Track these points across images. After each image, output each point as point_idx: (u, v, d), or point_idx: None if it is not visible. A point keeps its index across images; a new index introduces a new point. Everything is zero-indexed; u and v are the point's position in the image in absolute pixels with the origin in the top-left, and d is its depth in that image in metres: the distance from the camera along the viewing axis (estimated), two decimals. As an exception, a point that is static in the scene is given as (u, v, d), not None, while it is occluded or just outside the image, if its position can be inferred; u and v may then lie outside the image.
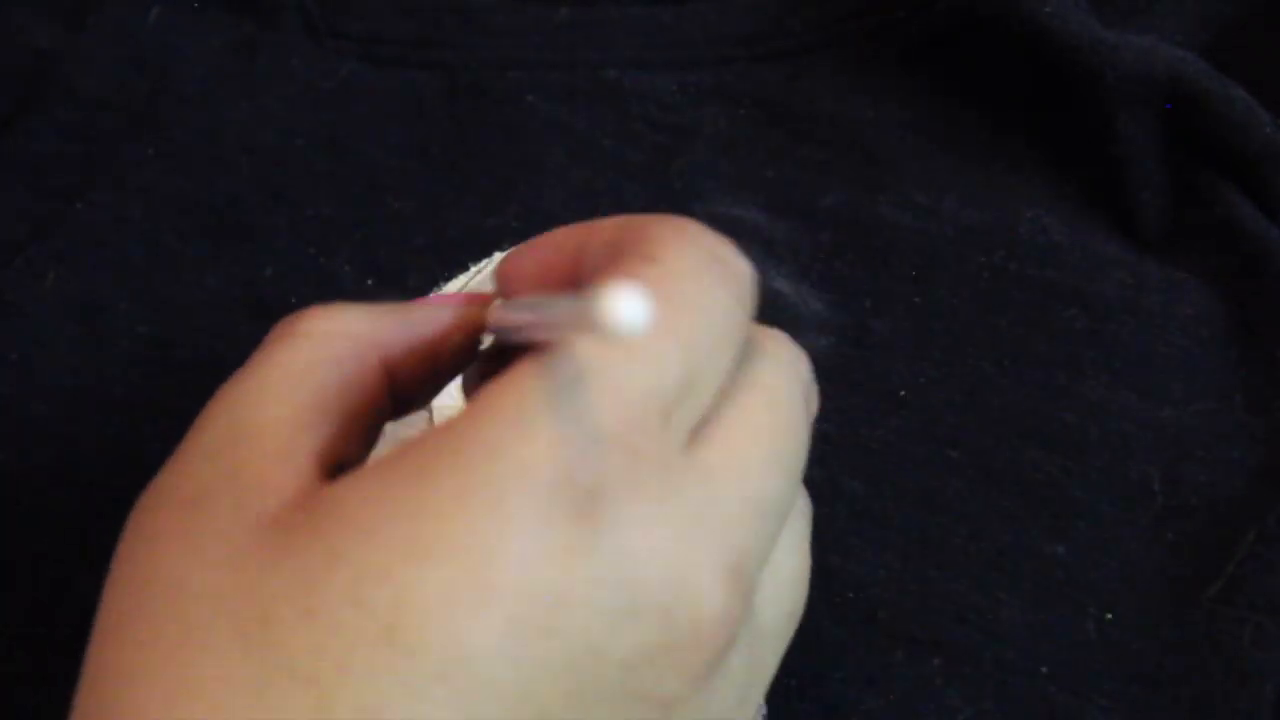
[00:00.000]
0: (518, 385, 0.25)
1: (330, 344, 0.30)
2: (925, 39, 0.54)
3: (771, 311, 0.49)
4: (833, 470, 0.45)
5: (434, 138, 0.54)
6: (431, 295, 0.34)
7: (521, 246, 0.33)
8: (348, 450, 0.30)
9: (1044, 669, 0.41)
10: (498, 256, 0.51)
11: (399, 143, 0.54)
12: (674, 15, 0.57)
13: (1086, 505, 0.43)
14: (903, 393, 0.46)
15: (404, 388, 0.32)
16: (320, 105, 0.55)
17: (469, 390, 0.36)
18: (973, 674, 0.41)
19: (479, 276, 0.50)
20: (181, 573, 0.26)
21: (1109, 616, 0.42)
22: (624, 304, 0.22)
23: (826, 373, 0.47)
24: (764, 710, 0.36)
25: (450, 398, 0.43)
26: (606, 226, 0.31)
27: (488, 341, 0.34)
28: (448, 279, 0.50)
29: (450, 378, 0.34)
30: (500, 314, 0.31)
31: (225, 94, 0.55)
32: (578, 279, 0.30)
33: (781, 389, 0.30)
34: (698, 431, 0.27)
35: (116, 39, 0.56)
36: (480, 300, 0.34)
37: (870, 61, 0.55)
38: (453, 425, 0.25)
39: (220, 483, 0.27)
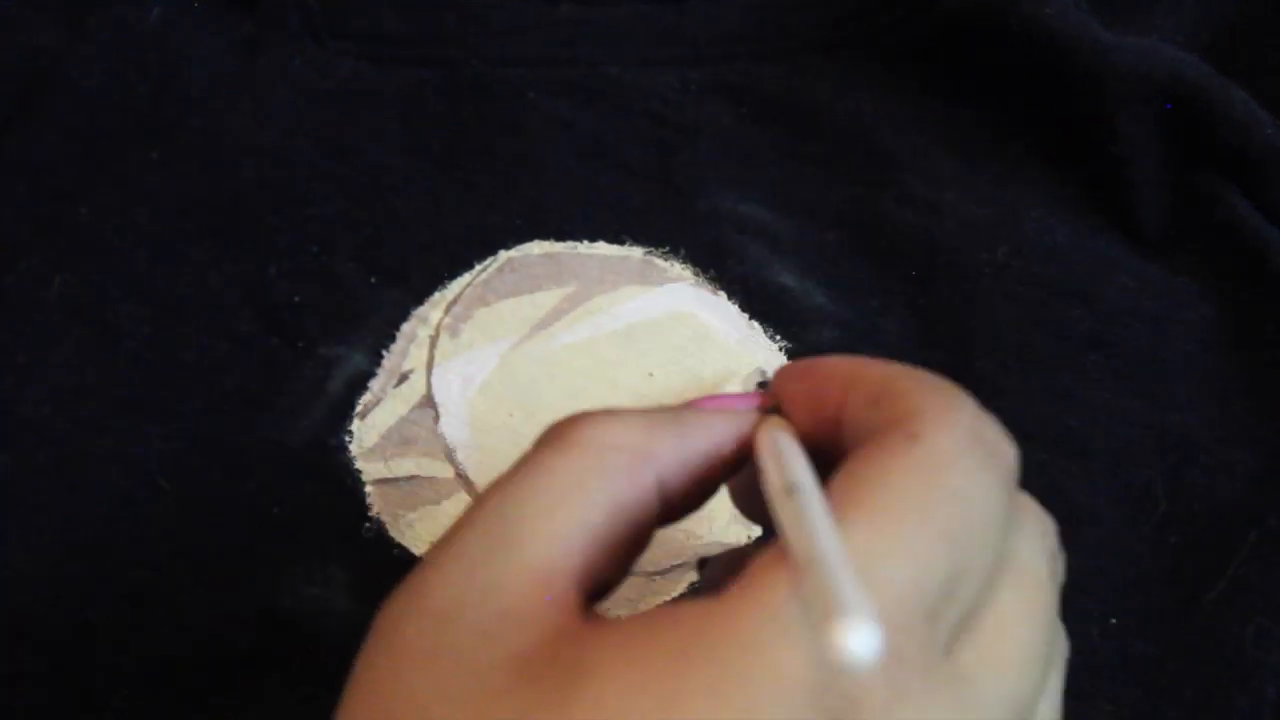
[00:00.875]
0: (778, 578, 0.24)
1: (604, 457, 0.29)
2: (927, 38, 0.54)
3: (777, 308, 0.49)
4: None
5: (436, 136, 0.54)
6: (703, 399, 0.32)
7: (794, 366, 0.32)
8: (612, 571, 0.29)
9: (1049, 671, 0.41)
10: (503, 256, 0.51)
11: (401, 141, 0.54)
12: (676, 13, 0.57)
13: (1090, 510, 0.44)
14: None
15: (671, 501, 0.30)
16: (322, 104, 0.55)
17: (738, 503, 0.35)
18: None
19: (484, 275, 0.50)
20: (423, 700, 0.25)
21: (1112, 620, 0.42)
22: (858, 642, 0.21)
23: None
24: None
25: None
26: (873, 375, 0.29)
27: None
28: (452, 277, 0.50)
29: (715, 490, 0.32)
30: (771, 469, 0.28)
31: (227, 94, 0.55)
32: (840, 424, 0.29)
33: (1035, 571, 0.28)
34: (959, 630, 0.26)
35: (117, 39, 0.56)
36: (756, 408, 0.32)
37: (872, 60, 0.55)
38: (717, 607, 0.24)
39: (475, 599, 0.26)
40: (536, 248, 0.51)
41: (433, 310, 0.49)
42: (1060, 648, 0.31)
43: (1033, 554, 0.28)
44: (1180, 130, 0.50)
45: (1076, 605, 0.42)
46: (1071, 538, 0.43)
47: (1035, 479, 0.44)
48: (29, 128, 0.54)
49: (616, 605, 0.43)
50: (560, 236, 0.51)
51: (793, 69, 0.55)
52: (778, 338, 0.48)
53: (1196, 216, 0.50)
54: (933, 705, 0.24)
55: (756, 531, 0.44)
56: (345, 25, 0.57)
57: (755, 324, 0.48)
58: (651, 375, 0.47)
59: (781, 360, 0.48)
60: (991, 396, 0.45)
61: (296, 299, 0.50)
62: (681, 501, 0.31)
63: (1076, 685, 0.40)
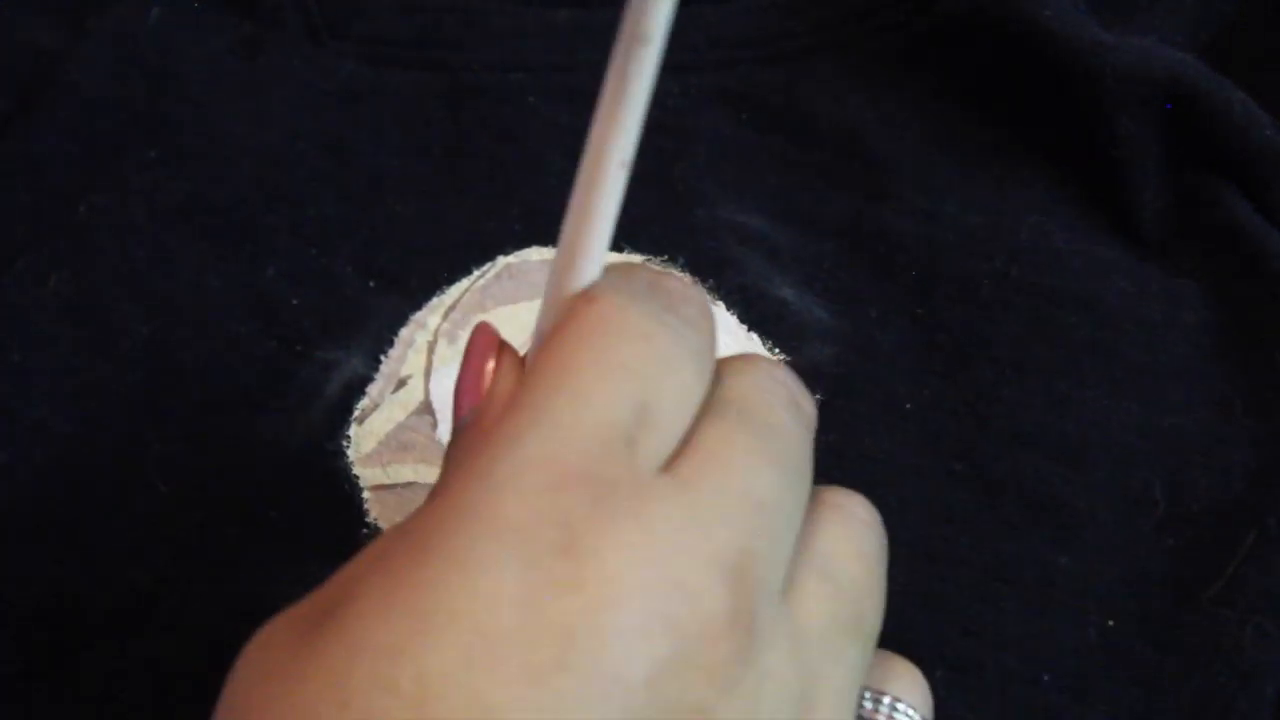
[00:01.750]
0: (485, 443, 0.26)
1: None
2: (926, 42, 0.54)
3: (775, 321, 0.49)
4: (836, 481, 0.45)
5: (435, 139, 0.54)
6: None
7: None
8: None
9: (1046, 677, 0.41)
10: (501, 261, 0.51)
11: (400, 144, 0.54)
12: (677, 17, 0.57)
13: (1088, 515, 0.44)
14: (907, 405, 0.47)
15: None
16: (321, 106, 0.55)
17: None
18: (976, 685, 0.41)
19: (482, 281, 0.50)
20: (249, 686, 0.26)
21: (1111, 623, 0.42)
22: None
23: (831, 383, 0.47)
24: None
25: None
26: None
27: None
28: (450, 282, 0.50)
29: None
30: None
31: (226, 95, 0.55)
32: None
33: (756, 397, 0.30)
34: (676, 453, 0.28)
35: (117, 39, 0.56)
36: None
37: (871, 65, 0.55)
38: (435, 494, 0.27)
39: None
40: (535, 254, 0.51)
41: (431, 315, 0.49)
42: (864, 516, 0.33)
43: (751, 386, 0.30)
44: (1180, 131, 0.50)
45: (1074, 607, 0.42)
46: (1069, 540, 0.43)
47: (1033, 484, 0.44)
48: (28, 127, 0.54)
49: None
50: (559, 243, 0.51)
51: (793, 75, 0.55)
52: (776, 350, 0.48)
53: (1196, 218, 0.50)
54: (651, 510, 0.26)
55: None
56: (345, 27, 0.57)
57: (754, 335, 0.48)
58: None
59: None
60: (990, 404, 0.46)
61: (295, 301, 0.50)
62: None
63: (1074, 687, 0.41)
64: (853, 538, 0.32)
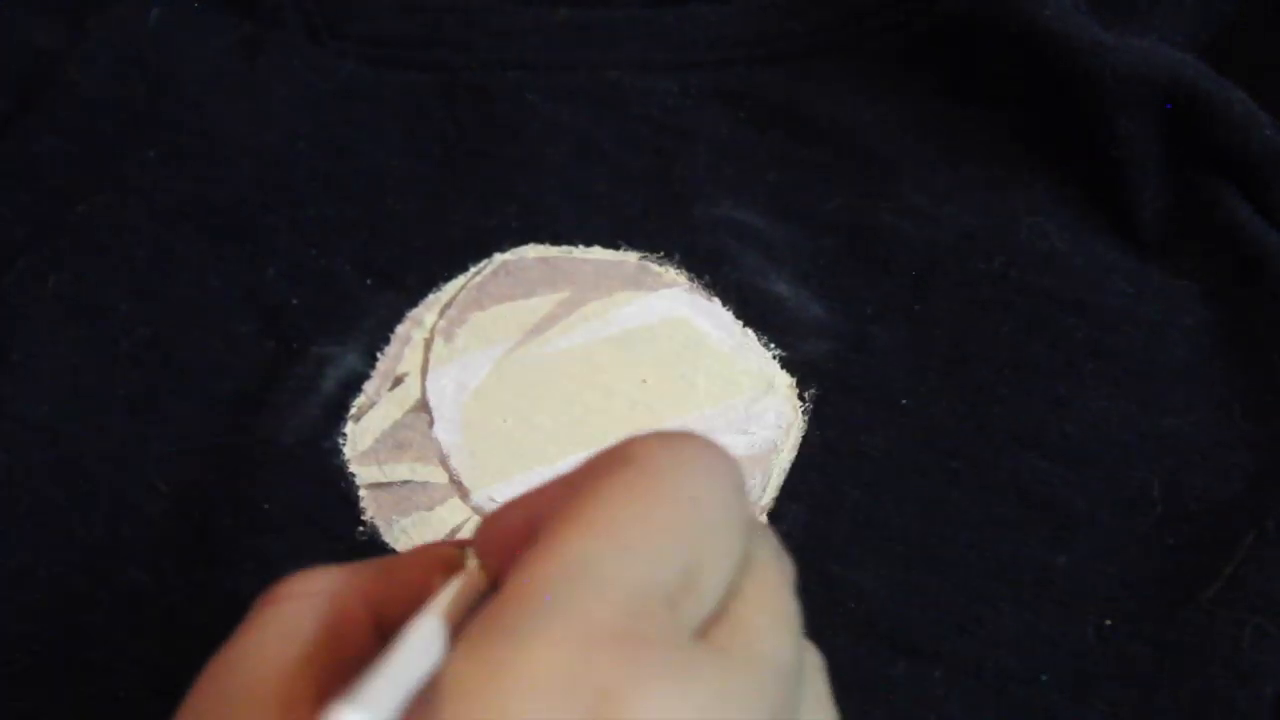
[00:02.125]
0: (505, 602, 0.26)
1: (315, 603, 0.31)
2: (925, 42, 0.54)
3: (771, 316, 0.49)
4: (833, 479, 0.45)
5: (434, 139, 0.54)
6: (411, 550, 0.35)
7: (499, 510, 0.33)
8: (340, 689, 0.29)
9: (1044, 677, 0.41)
10: (498, 258, 0.51)
11: (399, 143, 0.54)
12: (675, 17, 0.57)
13: (1086, 514, 0.44)
14: (903, 401, 0.47)
15: (394, 623, 0.31)
16: (321, 106, 0.55)
17: None
18: (974, 684, 0.41)
19: (479, 278, 0.50)
20: None
21: (1108, 623, 0.42)
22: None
23: (827, 380, 0.47)
24: None
25: None
26: (558, 482, 0.30)
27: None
28: (447, 279, 0.50)
29: None
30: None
31: (225, 95, 0.55)
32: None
33: (776, 571, 0.29)
34: (712, 618, 0.27)
35: (116, 39, 0.56)
36: (456, 549, 0.33)
37: (870, 65, 0.55)
38: (462, 652, 0.25)
39: None
40: (532, 252, 0.51)
41: (428, 313, 0.50)
42: (817, 662, 0.32)
43: (770, 556, 0.29)
44: (1180, 131, 0.50)
45: (1073, 607, 0.42)
46: (1068, 540, 0.43)
47: (1031, 484, 0.44)
48: (28, 127, 0.54)
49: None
50: (556, 241, 0.51)
51: (792, 75, 0.55)
52: (772, 346, 0.48)
53: (1196, 218, 0.49)
54: (689, 678, 0.25)
55: None
56: (344, 27, 0.57)
57: (749, 331, 0.48)
58: (645, 381, 0.47)
59: (774, 366, 0.48)
60: (988, 403, 0.46)
61: (294, 301, 0.50)
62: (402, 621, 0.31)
63: (1073, 687, 0.41)
64: (819, 688, 0.32)
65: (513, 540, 0.29)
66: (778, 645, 0.27)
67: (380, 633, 0.31)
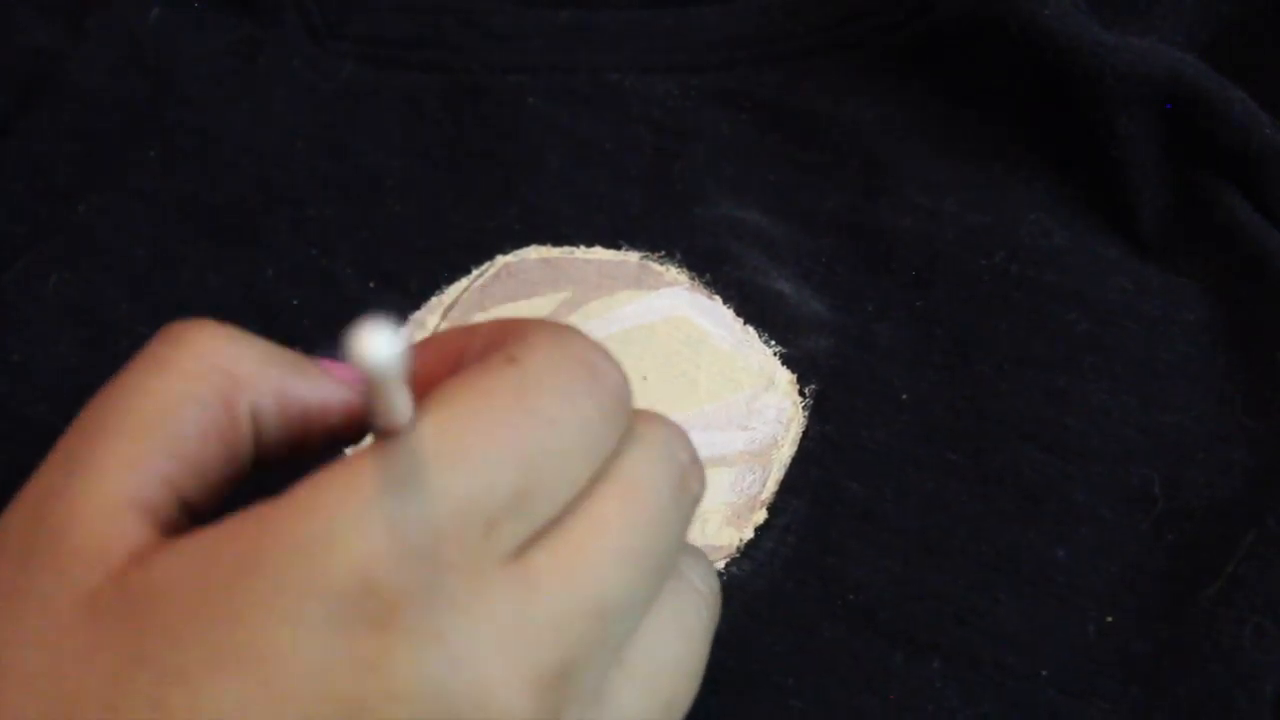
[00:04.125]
0: (338, 483, 0.25)
1: (202, 381, 0.30)
2: (925, 41, 0.54)
3: (772, 313, 0.49)
4: (833, 472, 0.45)
5: (435, 140, 0.54)
6: (329, 361, 0.32)
7: (424, 343, 0.32)
8: (204, 494, 0.29)
9: (1044, 671, 0.41)
10: (500, 261, 0.51)
11: (400, 144, 0.54)
12: (675, 18, 0.57)
13: (1087, 509, 0.44)
14: (904, 396, 0.47)
15: (263, 439, 0.31)
16: (321, 106, 0.55)
17: None
18: (972, 676, 0.41)
19: (481, 281, 0.50)
20: (3, 639, 0.26)
21: (1109, 619, 0.42)
22: (371, 341, 0.23)
23: (828, 375, 0.47)
24: None
25: None
26: (489, 328, 0.30)
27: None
28: (449, 281, 0.50)
29: (313, 459, 0.31)
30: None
31: (225, 95, 0.55)
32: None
33: (644, 479, 0.29)
34: (534, 539, 0.27)
35: (116, 39, 0.56)
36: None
37: (871, 64, 0.55)
38: (273, 515, 0.25)
39: (48, 537, 0.27)
40: (534, 253, 0.51)
41: (429, 315, 0.50)
42: (696, 569, 0.31)
43: (648, 471, 0.29)
44: (1180, 131, 0.50)
45: (1073, 602, 0.42)
46: (1068, 535, 0.43)
47: (1032, 479, 0.44)
48: (28, 127, 0.54)
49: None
50: (557, 241, 0.51)
51: (793, 75, 0.55)
52: (772, 343, 0.48)
53: (1195, 217, 0.49)
54: (480, 608, 0.25)
55: (749, 535, 0.44)
56: (344, 27, 0.57)
57: (750, 329, 0.48)
58: (646, 379, 0.47)
59: (775, 363, 0.48)
60: (988, 397, 0.46)
61: (295, 301, 0.50)
62: (273, 447, 0.31)
63: (1073, 683, 0.41)
64: (685, 616, 0.31)
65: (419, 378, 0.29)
66: (602, 581, 0.27)
67: (256, 440, 0.30)
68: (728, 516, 0.44)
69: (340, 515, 0.25)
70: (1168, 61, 0.50)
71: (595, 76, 0.56)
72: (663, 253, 0.51)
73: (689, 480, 0.30)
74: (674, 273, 0.50)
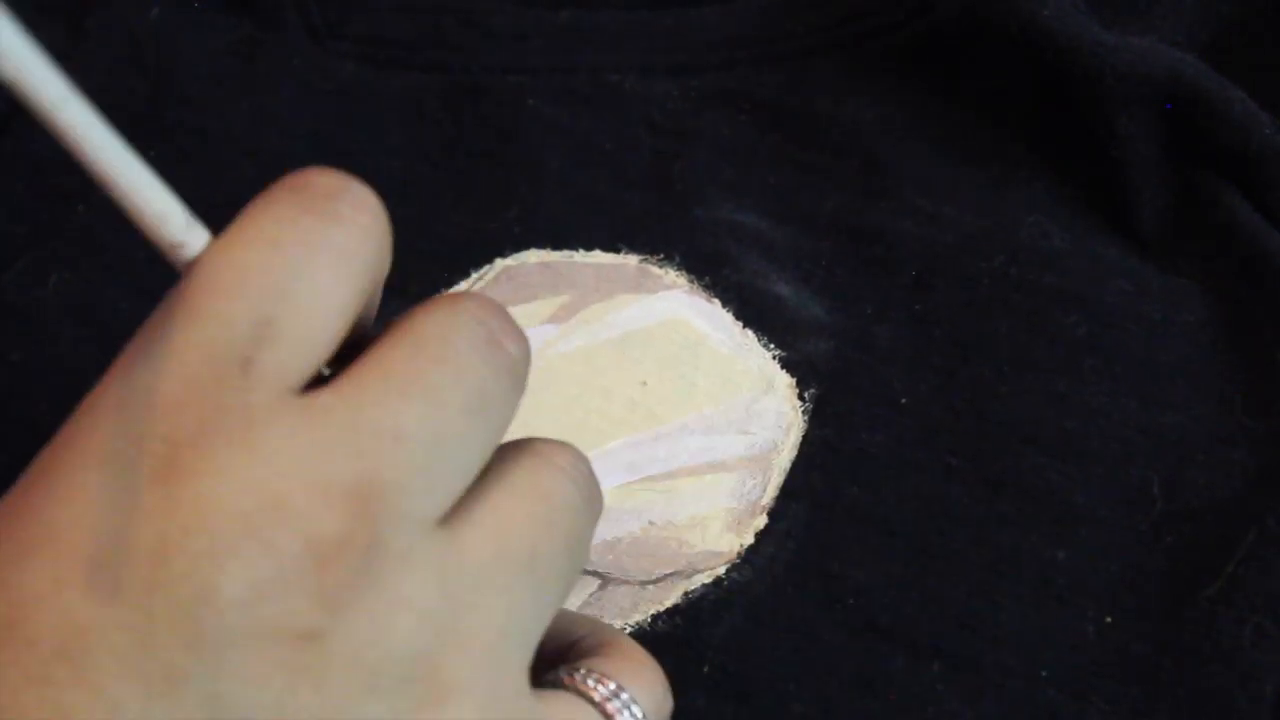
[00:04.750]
0: (118, 363, 0.26)
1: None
2: (925, 42, 0.54)
3: (772, 317, 0.49)
4: (833, 476, 0.45)
5: (435, 140, 0.54)
6: None
7: None
8: None
9: (1044, 673, 0.41)
10: (499, 264, 0.51)
11: (399, 145, 0.54)
12: (675, 20, 0.57)
13: (1087, 510, 0.44)
14: (903, 399, 0.47)
15: None
16: (321, 107, 0.55)
17: None
18: (973, 679, 0.41)
19: (481, 283, 0.50)
20: None
21: (1109, 620, 0.42)
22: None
23: (828, 379, 0.47)
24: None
25: None
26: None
27: None
28: (448, 283, 0.50)
29: None
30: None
31: (225, 95, 0.55)
32: None
33: (439, 331, 0.29)
34: (334, 375, 0.27)
35: (116, 39, 0.56)
36: None
37: (871, 65, 0.55)
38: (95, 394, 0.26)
39: None
40: (533, 256, 0.51)
41: (429, 317, 0.50)
42: (562, 454, 0.31)
43: (445, 322, 0.29)
44: (1180, 131, 0.50)
45: (1073, 604, 0.42)
46: (1068, 537, 0.43)
47: (1032, 481, 0.44)
48: (28, 127, 0.54)
49: (609, 615, 0.43)
50: (557, 244, 0.51)
51: (792, 76, 0.55)
52: (772, 346, 0.48)
53: (1195, 217, 0.49)
54: (263, 439, 0.25)
55: (749, 540, 0.44)
56: (344, 27, 0.57)
57: (749, 332, 0.48)
58: (645, 383, 0.47)
59: (774, 366, 0.48)
60: (988, 399, 0.46)
61: (294, 301, 0.50)
62: None
63: (1072, 683, 0.41)
64: (541, 480, 0.30)
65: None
66: (394, 407, 0.27)
67: None
68: (728, 522, 0.44)
69: (107, 395, 0.25)
70: (1168, 61, 0.50)
71: (595, 77, 0.56)
72: (662, 256, 0.51)
73: (502, 341, 0.30)
74: (673, 276, 0.50)
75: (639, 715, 0.32)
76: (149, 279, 0.50)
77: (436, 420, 0.27)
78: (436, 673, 0.27)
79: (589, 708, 0.31)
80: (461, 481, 0.28)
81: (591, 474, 0.32)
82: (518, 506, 0.29)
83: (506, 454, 0.30)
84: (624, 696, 0.32)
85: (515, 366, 0.30)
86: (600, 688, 0.32)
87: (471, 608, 0.27)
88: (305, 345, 0.26)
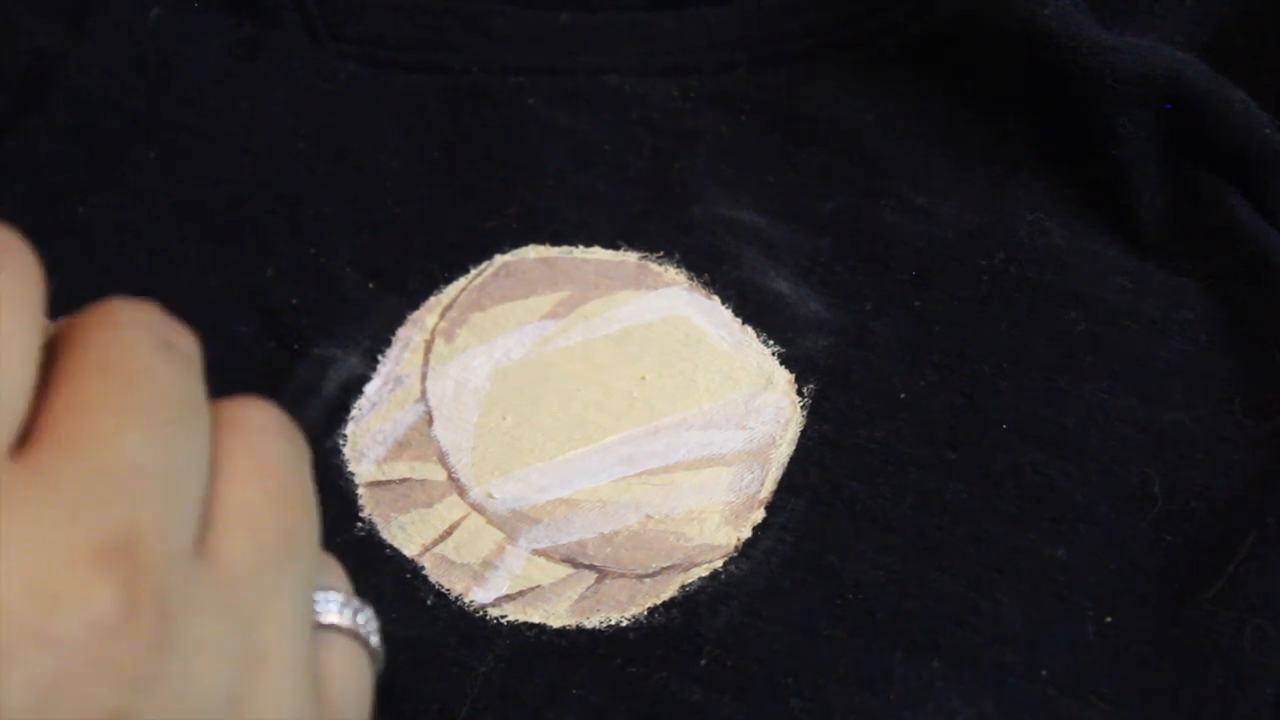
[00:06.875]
0: None
1: None
2: (925, 42, 0.54)
3: (771, 313, 0.49)
4: (831, 472, 0.45)
5: (434, 141, 0.54)
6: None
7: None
8: None
9: (1044, 671, 0.41)
10: (499, 259, 0.51)
11: (399, 145, 0.54)
12: (675, 20, 0.57)
13: (1086, 508, 0.44)
14: (902, 395, 0.47)
15: None
16: (321, 107, 0.55)
17: None
18: (972, 676, 0.41)
19: (479, 280, 0.50)
20: None
21: (1108, 619, 0.42)
22: None
23: (826, 375, 0.47)
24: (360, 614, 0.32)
25: None
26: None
27: None
28: (448, 280, 0.50)
29: None
30: None
31: (225, 95, 0.55)
32: None
33: (115, 349, 0.27)
34: (28, 435, 0.25)
35: (116, 39, 0.56)
36: None
37: (870, 65, 0.55)
38: None
39: None
40: (532, 252, 0.51)
41: (428, 315, 0.50)
42: (259, 413, 0.30)
43: (119, 337, 0.27)
44: (1180, 131, 0.50)
45: (1072, 602, 0.42)
46: (1067, 534, 0.43)
47: (1031, 478, 0.44)
48: (27, 127, 0.54)
49: (606, 608, 0.43)
50: (556, 241, 0.51)
51: (792, 76, 0.55)
52: (771, 342, 0.48)
53: (1196, 217, 0.49)
54: (5, 517, 0.23)
55: (747, 534, 0.44)
56: (344, 28, 0.57)
57: (748, 328, 0.48)
58: (644, 379, 0.47)
59: (773, 362, 0.48)
60: (987, 396, 0.46)
61: (294, 301, 0.50)
62: None
63: (1071, 682, 0.41)
64: (256, 454, 0.29)
65: None
66: (119, 441, 0.25)
67: None
68: (726, 516, 0.44)
69: None
70: (1168, 61, 0.50)
71: (595, 78, 0.56)
72: (661, 253, 0.51)
73: (171, 339, 0.28)
74: (672, 272, 0.50)
75: (367, 615, 0.31)
76: (149, 280, 0.50)
77: (157, 440, 0.26)
78: (251, 696, 0.26)
79: (349, 640, 0.31)
80: (199, 493, 0.27)
81: (279, 412, 0.31)
82: (253, 494, 0.28)
83: (214, 443, 0.29)
84: (355, 605, 0.31)
85: (193, 360, 0.29)
86: (345, 611, 0.31)
87: (258, 619, 0.27)
88: (6, 405, 0.25)
